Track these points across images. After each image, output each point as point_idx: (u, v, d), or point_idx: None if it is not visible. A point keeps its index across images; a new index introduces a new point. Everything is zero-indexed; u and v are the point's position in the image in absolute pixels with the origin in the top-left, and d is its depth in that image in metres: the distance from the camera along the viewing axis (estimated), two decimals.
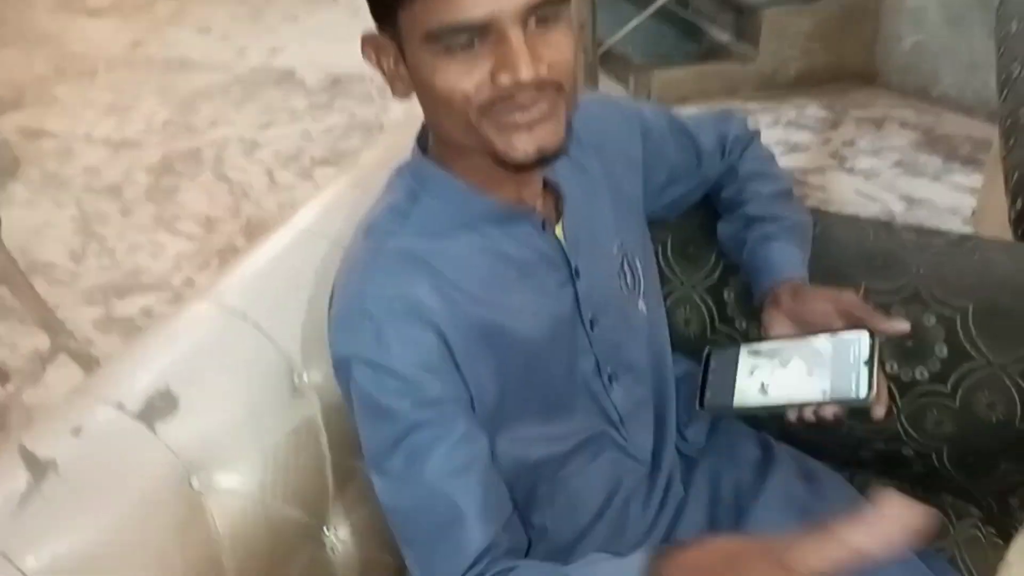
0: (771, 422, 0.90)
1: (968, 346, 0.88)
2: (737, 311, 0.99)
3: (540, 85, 0.61)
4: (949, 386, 0.89)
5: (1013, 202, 1.16)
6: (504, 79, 0.60)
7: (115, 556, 0.63)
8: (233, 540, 0.70)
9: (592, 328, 0.78)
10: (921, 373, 0.90)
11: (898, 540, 0.43)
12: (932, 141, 2.58)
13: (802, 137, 2.67)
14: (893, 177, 2.42)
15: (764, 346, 0.80)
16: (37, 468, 0.63)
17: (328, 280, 0.73)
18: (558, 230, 0.77)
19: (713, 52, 3.03)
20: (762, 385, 0.76)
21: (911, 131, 2.64)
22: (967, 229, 2.02)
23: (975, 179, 2.26)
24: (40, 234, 2.48)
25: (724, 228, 0.95)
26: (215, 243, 2.40)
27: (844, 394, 0.71)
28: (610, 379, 0.80)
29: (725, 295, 1.00)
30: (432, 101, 0.65)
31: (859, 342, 0.73)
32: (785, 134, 2.67)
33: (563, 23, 0.63)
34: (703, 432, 0.90)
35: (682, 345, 0.96)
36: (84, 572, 0.61)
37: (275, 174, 2.74)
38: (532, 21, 0.60)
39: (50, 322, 1.89)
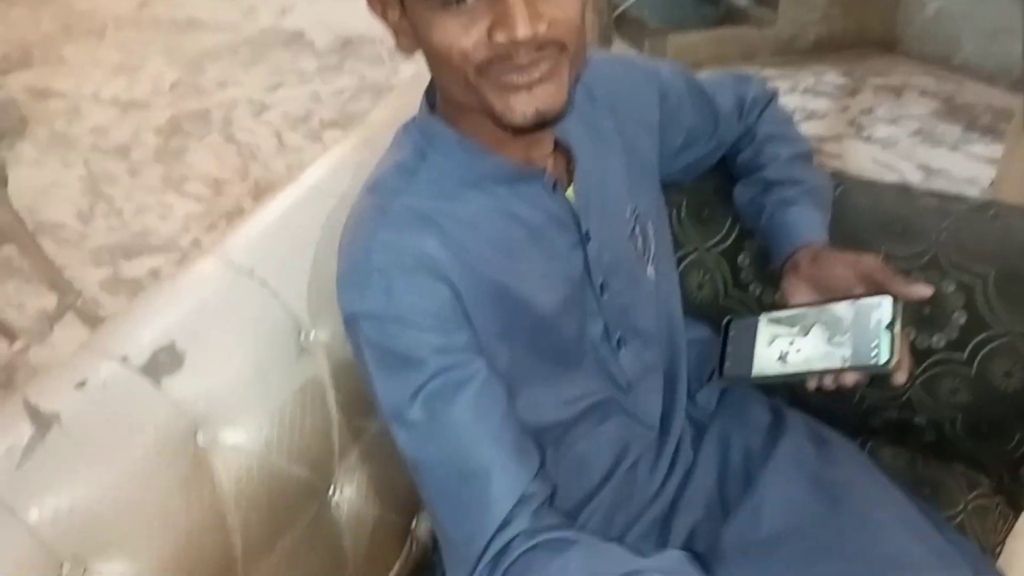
0: (784, 389, 0.89)
1: (987, 314, 0.87)
2: (751, 275, 0.98)
3: (540, 44, 0.59)
4: (966, 354, 0.88)
5: None
6: (500, 37, 0.57)
7: (118, 510, 0.63)
8: (237, 497, 0.70)
9: (602, 292, 0.77)
10: (938, 341, 0.89)
11: None
12: (952, 110, 2.53)
13: (819, 104, 2.62)
14: (911, 146, 2.38)
15: (784, 314, 0.78)
16: (41, 421, 0.63)
17: (336, 238, 0.72)
18: (569, 192, 0.75)
19: (730, 16, 2.97)
20: (782, 354, 0.75)
21: (931, 99, 2.60)
22: None
23: (994, 149, 2.22)
24: (48, 194, 2.48)
25: (741, 192, 0.93)
26: (223, 205, 2.39)
27: (865, 360, 0.70)
28: (619, 343, 0.79)
29: (740, 259, 0.98)
30: (433, 58, 0.63)
31: (880, 307, 0.71)
32: (802, 101, 2.63)
33: None
34: (714, 397, 0.89)
35: (695, 310, 0.95)
36: (87, 526, 0.61)
37: (284, 136, 2.72)
38: None
39: (57, 282, 1.89)
